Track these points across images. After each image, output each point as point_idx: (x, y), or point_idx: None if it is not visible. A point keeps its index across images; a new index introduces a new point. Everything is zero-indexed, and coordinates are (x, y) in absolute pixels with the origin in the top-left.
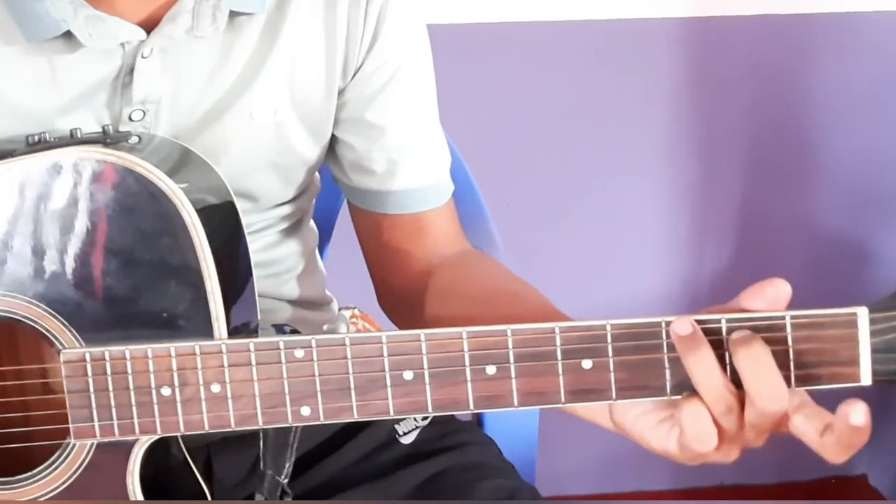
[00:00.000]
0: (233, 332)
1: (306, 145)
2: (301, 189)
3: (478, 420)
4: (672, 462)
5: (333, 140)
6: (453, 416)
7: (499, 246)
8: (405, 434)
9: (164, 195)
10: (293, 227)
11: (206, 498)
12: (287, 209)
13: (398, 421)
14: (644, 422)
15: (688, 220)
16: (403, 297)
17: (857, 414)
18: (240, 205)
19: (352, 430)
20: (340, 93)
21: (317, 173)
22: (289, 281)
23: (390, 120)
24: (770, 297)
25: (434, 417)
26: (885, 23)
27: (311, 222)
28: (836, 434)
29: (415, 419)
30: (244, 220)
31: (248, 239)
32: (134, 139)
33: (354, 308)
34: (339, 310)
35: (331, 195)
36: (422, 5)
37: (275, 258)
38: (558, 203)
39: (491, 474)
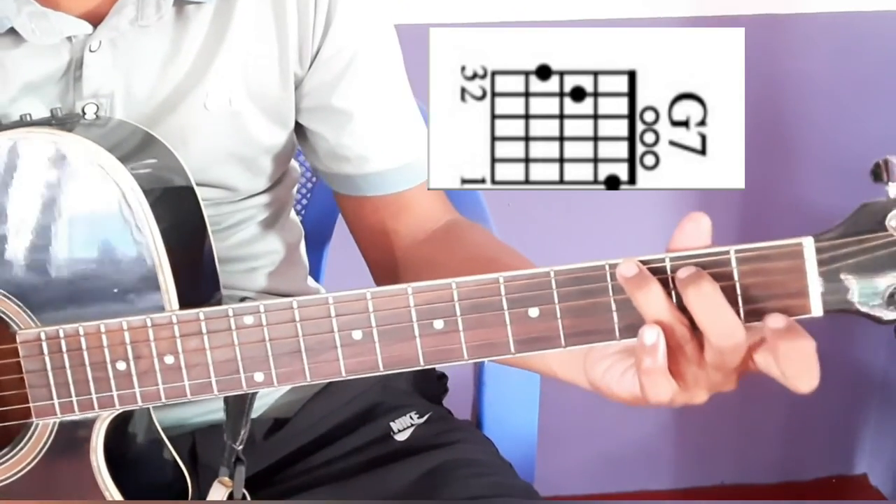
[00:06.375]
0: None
1: (269, 134)
2: (274, 178)
3: (477, 421)
4: (672, 462)
5: (305, 130)
6: (451, 414)
7: None
8: (400, 431)
9: (105, 172)
10: (272, 219)
11: (187, 485)
12: (263, 199)
13: (393, 419)
14: (611, 375)
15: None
16: (395, 275)
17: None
18: (211, 195)
19: (347, 428)
20: (302, 81)
21: (296, 164)
22: (271, 274)
23: (356, 104)
24: (692, 233)
25: (430, 416)
26: (887, 23)
27: (293, 215)
28: (775, 352)
29: (410, 417)
30: (217, 210)
31: (227, 233)
32: (84, 120)
33: None
34: None
35: (331, 195)
36: None
37: (257, 252)
38: (558, 203)
39: (486, 471)
